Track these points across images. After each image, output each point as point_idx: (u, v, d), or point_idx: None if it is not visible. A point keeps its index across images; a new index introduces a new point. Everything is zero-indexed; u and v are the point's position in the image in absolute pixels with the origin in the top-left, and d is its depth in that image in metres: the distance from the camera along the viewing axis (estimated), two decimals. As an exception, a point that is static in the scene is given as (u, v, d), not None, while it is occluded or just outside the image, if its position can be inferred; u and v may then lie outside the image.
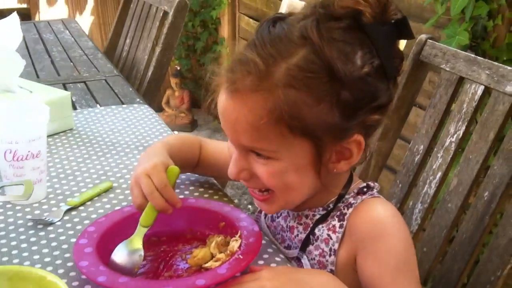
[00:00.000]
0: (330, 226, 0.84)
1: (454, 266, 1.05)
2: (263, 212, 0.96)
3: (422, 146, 1.19)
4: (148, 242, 0.86)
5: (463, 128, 1.10)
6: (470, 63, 1.10)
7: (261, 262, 0.84)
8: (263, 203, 0.84)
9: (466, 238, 1.04)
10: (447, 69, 1.15)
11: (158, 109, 4.04)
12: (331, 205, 0.84)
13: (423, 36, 1.22)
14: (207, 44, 3.93)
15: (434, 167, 1.15)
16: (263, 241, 0.88)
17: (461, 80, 1.13)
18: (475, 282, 1.00)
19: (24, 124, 0.99)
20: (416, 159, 1.19)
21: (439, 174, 1.13)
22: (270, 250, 0.87)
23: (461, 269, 1.04)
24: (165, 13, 2.01)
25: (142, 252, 0.81)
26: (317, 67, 0.72)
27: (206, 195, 1.04)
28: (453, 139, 1.12)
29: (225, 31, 3.74)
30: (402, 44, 1.30)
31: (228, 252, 0.81)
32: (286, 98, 0.72)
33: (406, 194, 1.20)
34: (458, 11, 1.60)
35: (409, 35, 0.80)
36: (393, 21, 0.77)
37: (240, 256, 0.78)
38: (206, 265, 0.80)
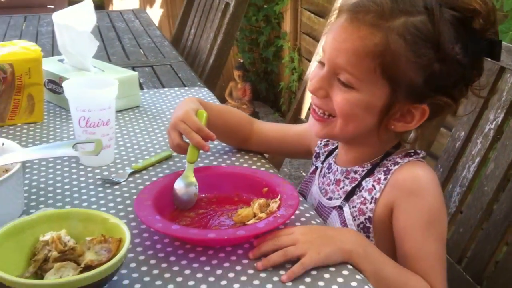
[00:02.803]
0: (376, 178, 0.94)
1: (487, 246, 1.10)
2: (317, 171, 1.07)
3: (463, 133, 1.24)
4: (200, 201, 0.98)
5: (502, 115, 1.15)
6: (511, 54, 1.14)
7: (298, 224, 0.93)
8: (319, 124, 0.95)
9: (499, 219, 1.09)
10: (489, 59, 1.20)
11: (221, 99, 4.19)
12: (378, 161, 0.95)
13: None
14: (269, 38, 4.04)
15: (473, 152, 1.20)
16: (302, 207, 0.97)
17: (502, 70, 1.18)
18: (505, 261, 1.05)
19: (95, 95, 1.11)
20: (457, 145, 1.24)
21: (477, 159, 1.18)
22: (307, 214, 0.96)
23: (493, 249, 1.09)
24: (227, 5, 2.13)
25: (196, 184, 0.96)
26: (429, 33, 0.84)
27: (253, 166, 1.13)
28: (492, 126, 1.17)
29: (287, 25, 3.83)
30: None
31: (268, 211, 0.90)
32: (394, 43, 0.84)
33: (446, 178, 1.25)
34: (510, 7, 1.62)
35: (496, 57, 0.91)
36: (489, 40, 0.88)
37: (278, 215, 0.87)
38: (249, 222, 0.90)
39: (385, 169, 0.93)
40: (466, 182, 1.19)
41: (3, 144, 0.97)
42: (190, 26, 2.47)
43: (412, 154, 0.94)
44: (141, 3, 4.56)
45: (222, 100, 4.14)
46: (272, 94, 4.19)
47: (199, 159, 1.14)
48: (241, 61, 4.20)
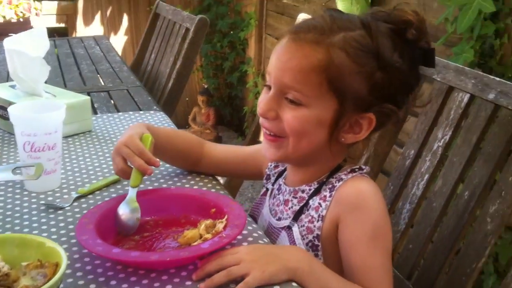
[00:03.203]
0: (322, 196, 0.94)
1: (436, 260, 1.11)
2: (268, 193, 1.07)
3: (413, 151, 1.25)
4: (145, 224, 0.96)
5: (450, 133, 1.17)
6: (459, 73, 1.17)
7: (245, 244, 0.92)
8: (272, 147, 0.95)
9: (447, 234, 1.10)
10: (438, 79, 1.22)
11: (185, 124, 4.18)
12: (324, 179, 0.95)
13: (417, 49, 1.29)
14: (234, 64, 4.06)
15: (422, 170, 1.21)
16: (250, 227, 0.96)
17: (450, 89, 1.20)
18: (454, 274, 1.06)
19: (41, 119, 1.09)
20: (407, 163, 1.26)
21: (426, 176, 1.19)
22: (255, 234, 0.95)
23: (442, 263, 1.09)
24: (187, 30, 2.14)
25: (139, 209, 0.95)
26: (368, 45, 0.88)
27: (204, 187, 1.12)
28: (440, 144, 1.18)
29: (252, 51, 3.86)
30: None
31: (214, 231, 0.89)
32: (337, 57, 0.87)
33: (396, 196, 1.26)
34: (463, 29, 1.67)
35: (431, 65, 0.94)
36: (424, 48, 0.92)
37: (223, 235, 0.86)
38: (194, 243, 0.89)
39: (330, 186, 0.94)
40: (415, 199, 1.20)
41: None
42: (151, 52, 2.47)
43: (357, 170, 0.95)
44: (106, 30, 4.55)
45: (185, 125, 4.14)
46: (237, 118, 4.20)
47: (148, 182, 1.13)
48: (206, 86, 4.21)
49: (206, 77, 4.23)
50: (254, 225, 0.98)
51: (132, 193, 0.97)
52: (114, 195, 1.08)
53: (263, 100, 0.93)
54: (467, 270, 1.02)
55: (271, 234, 1.00)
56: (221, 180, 1.21)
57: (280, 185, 1.04)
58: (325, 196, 0.94)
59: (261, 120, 0.96)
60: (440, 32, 2.02)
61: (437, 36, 2.02)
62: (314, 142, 0.92)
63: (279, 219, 1.00)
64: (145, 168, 0.98)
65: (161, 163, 1.11)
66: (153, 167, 1.00)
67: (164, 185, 1.13)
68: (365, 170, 0.96)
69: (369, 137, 0.95)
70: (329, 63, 0.87)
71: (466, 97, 1.16)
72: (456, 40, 1.84)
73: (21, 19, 4.37)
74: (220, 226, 0.90)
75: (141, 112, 1.65)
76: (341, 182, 0.93)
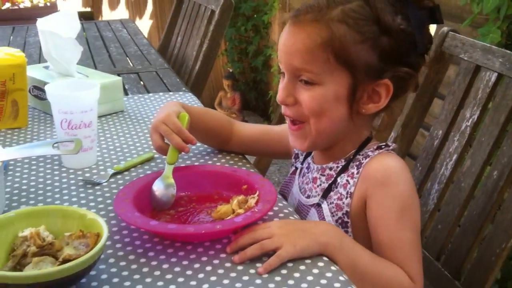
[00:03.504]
0: (350, 173, 0.96)
1: (464, 241, 1.12)
2: (297, 172, 1.09)
3: (440, 131, 1.26)
4: (180, 199, 0.99)
5: (478, 113, 1.17)
6: (486, 52, 1.17)
7: (276, 219, 0.94)
8: (298, 138, 0.98)
9: (475, 215, 1.11)
10: (465, 58, 1.23)
11: (211, 108, 4.20)
12: (351, 157, 0.97)
13: (445, 29, 1.30)
14: (258, 48, 4.07)
15: (450, 150, 1.22)
16: (281, 203, 0.99)
17: (477, 69, 1.20)
18: (483, 254, 1.07)
19: (77, 97, 1.13)
20: (435, 143, 1.27)
21: (454, 157, 1.20)
22: (286, 211, 0.97)
23: (470, 244, 1.11)
24: (212, 12, 2.15)
25: (174, 185, 0.97)
26: (367, 13, 0.90)
27: (234, 165, 1.15)
28: (469, 123, 1.19)
29: (275, 35, 3.86)
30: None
31: (246, 207, 0.92)
32: (338, 30, 0.89)
33: (425, 177, 1.27)
34: (489, 10, 1.66)
35: (438, 21, 0.95)
36: (428, 7, 0.93)
37: (255, 210, 0.89)
38: (227, 218, 0.91)
39: (357, 163, 0.96)
40: (444, 179, 1.21)
41: (-16, 146, 0.99)
42: (177, 34, 2.49)
43: (383, 146, 0.97)
44: (131, 14, 4.59)
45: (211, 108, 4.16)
46: (262, 103, 4.22)
47: (181, 160, 1.16)
48: (231, 70, 4.22)
49: (231, 61, 4.24)
50: (285, 202, 1.01)
51: (168, 169, 0.99)
52: (148, 172, 1.12)
53: (280, 88, 0.96)
54: (496, 250, 1.03)
55: (301, 212, 1.03)
56: (251, 160, 1.23)
57: (309, 163, 1.06)
58: (352, 173, 0.95)
59: (282, 109, 0.98)
60: (466, 13, 2.00)
61: (462, 17, 2.00)
62: (335, 119, 0.94)
63: (308, 196, 1.02)
64: (182, 146, 1.00)
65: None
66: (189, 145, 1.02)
67: (197, 163, 1.16)
68: (391, 147, 0.97)
69: (392, 107, 0.97)
70: (331, 37, 0.89)
71: (493, 76, 1.16)
72: (482, 21, 1.83)
73: (48, 3, 4.44)
74: (252, 201, 0.92)
75: (170, 93, 1.68)
76: (368, 159, 0.95)
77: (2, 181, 0.96)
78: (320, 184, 1.00)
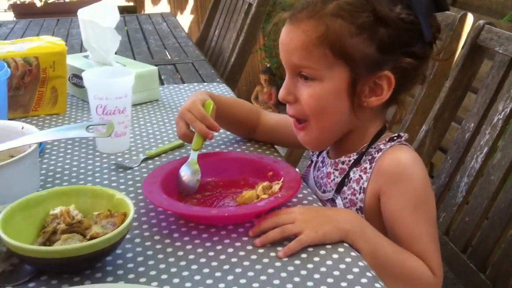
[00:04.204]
0: (362, 168, 0.95)
1: (492, 234, 1.11)
2: (312, 166, 1.09)
3: (472, 124, 1.25)
4: (207, 184, 1.02)
5: (510, 106, 1.16)
6: (520, 45, 1.15)
7: (300, 206, 0.95)
8: (304, 137, 0.98)
9: (504, 208, 1.10)
10: (500, 51, 1.21)
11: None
12: (364, 150, 0.97)
13: (480, 22, 1.28)
14: (296, 43, 4.06)
15: (481, 143, 1.20)
16: (305, 191, 1.00)
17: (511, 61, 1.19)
18: (508, 249, 1.06)
19: (112, 83, 1.16)
20: (466, 136, 1.25)
21: (485, 149, 1.19)
22: (310, 198, 0.98)
23: (497, 237, 1.09)
24: (250, 5, 2.17)
25: (199, 171, 0.99)
26: (362, 4, 0.89)
27: (260, 151, 1.17)
28: (501, 116, 1.17)
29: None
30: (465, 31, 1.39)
31: (270, 192, 0.93)
32: (333, 24, 0.89)
33: (455, 169, 1.26)
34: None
35: (444, 8, 0.93)
36: None
37: (279, 195, 0.90)
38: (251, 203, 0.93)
39: (370, 157, 0.95)
40: (474, 172, 1.20)
41: (22, 128, 1.03)
42: (215, 27, 2.53)
43: (395, 138, 0.96)
44: (172, 9, 4.66)
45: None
46: (299, 98, 4.21)
47: (210, 147, 1.19)
48: (268, 65, 4.24)
49: (268, 56, 4.25)
50: (309, 190, 1.02)
51: (193, 156, 1.02)
52: (178, 158, 1.14)
53: (282, 87, 0.96)
54: (522, 244, 1.02)
55: None
56: (282, 153, 1.24)
57: (324, 157, 1.06)
58: (365, 168, 0.95)
59: (287, 108, 0.99)
60: (507, 8, 1.97)
61: (503, 12, 1.97)
62: (336, 115, 0.94)
63: (324, 191, 1.02)
64: (206, 132, 1.03)
65: (221, 130, 1.15)
66: (214, 132, 1.04)
67: (225, 151, 1.18)
68: (403, 138, 0.96)
69: (402, 99, 0.95)
70: (326, 31, 0.88)
71: (529, 70, 1.15)
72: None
73: (93, -2, 4.54)
74: (276, 187, 0.94)
75: (205, 83, 1.71)
76: (380, 153, 0.94)
77: (37, 162, 1.00)
78: (334, 179, 1.00)
